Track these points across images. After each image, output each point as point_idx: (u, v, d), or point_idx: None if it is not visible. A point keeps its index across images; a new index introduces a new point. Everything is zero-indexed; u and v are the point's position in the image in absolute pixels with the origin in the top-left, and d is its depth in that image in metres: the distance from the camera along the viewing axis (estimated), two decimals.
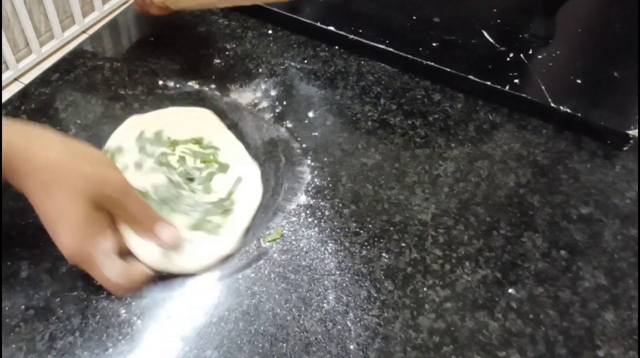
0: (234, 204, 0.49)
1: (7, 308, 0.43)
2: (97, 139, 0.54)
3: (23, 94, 0.59)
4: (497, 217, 0.50)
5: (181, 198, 0.48)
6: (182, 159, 0.52)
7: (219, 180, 0.51)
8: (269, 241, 0.47)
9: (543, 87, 0.59)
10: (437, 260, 0.47)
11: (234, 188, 0.50)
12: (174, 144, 0.53)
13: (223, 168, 0.52)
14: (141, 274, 0.43)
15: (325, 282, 0.45)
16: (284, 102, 0.59)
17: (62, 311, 0.43)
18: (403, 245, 0.48)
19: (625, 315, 0.44)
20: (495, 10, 0.70)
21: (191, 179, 0.51)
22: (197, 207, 0.48)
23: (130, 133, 0.54)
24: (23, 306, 0.43)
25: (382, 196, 0.51)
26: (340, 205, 0.50)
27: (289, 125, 0.57)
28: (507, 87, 0.59)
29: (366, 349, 0.42)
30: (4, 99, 0.58)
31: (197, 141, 0.54)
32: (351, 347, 0.42)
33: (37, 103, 0.58)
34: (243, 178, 0.51)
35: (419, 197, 0.51)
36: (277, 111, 0.58)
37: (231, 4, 0.64)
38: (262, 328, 0.42)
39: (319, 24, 0.65)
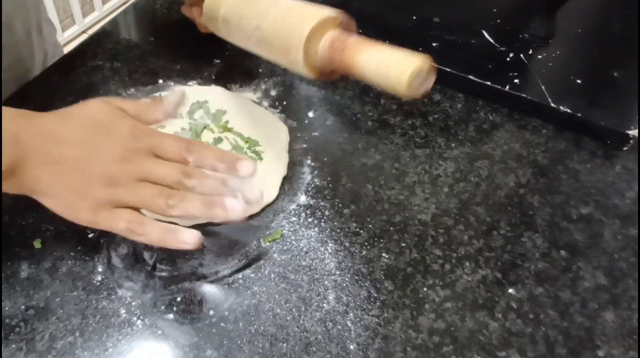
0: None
1: (7, 308, 0.43)
2: None
3: (23, 94, 0.59)
4: (497, 217, 0.50)
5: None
6: (218, 141, 0.52)
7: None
8: (269, 241, 0.47)
9: (543, 87, 0.59)
10: (437, 260, 0.47)
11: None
12: (225, 129, 0.52)
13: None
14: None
15: (325, 282, 0.45)
16: (284, 102, 0.59)
17: (62, 311, 0.43)
18: (403, 245, 0.48)
19: (625, 315, 0.44)
20: (495, 10, 0.70)
21: None
22: None
23: (201, 94, 0.55)
24: (23, 306, 0.43)
25: (382, 196, 0.51)
26: (340, 205, 0.50)
27: (289, 125, 0.57)
28: (507, 87, 0.59)
29: (366, 349, 0.42)
30: (3, 99, 0.58)
31: (249, 141, 0.53)
32: (351, 347, 0.42)
33: (37, 103, 0.57)
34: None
35: (419, 197, 0.51)
36: (277, 111, 0.58)
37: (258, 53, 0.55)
38: (262, 328, 0.42)
39: None
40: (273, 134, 0.54)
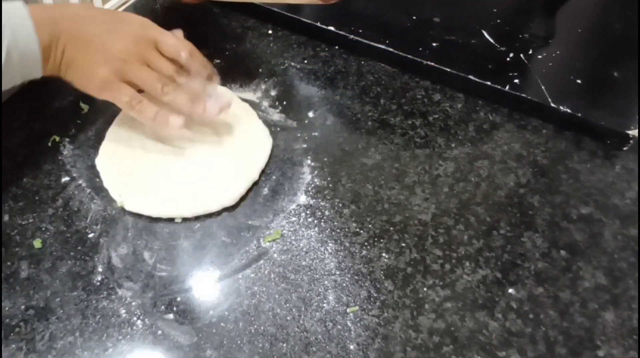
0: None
1: (7, 308, 0.43)
2: (98, 139, 0.54)
3: (23, 94, 0.58)
4: (497, 217, 0.50)
5: None
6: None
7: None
8: (269, 241, 0.47)
9: (543, 87, 0.59)
10: (437, 260, 0.47)
11: None
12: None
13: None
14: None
15: (325, 282, 0.45)
16: (284, 102, 0.59)
17: (62, 311, 0.43)
18: (403, 245, 0.48)
19: (625, 315, 0.44)
20: (495, 10, 0.70)
21: None
22: None
23: None
24: (23, 306, 0.43)
25: (382, 196, 0.51)
26: (340, 205, 0.50)
27: (289, 125, 0.57)
28: (507, 87, 0.59)
29: (366, 349, 0.42)
30: (4, 99, 0.58)
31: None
32: (351, 347, 0.42)
33: (37, 102, 0.58)
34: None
35: (419, 197, 0.51)
36: (277, 111, 0.58)
37: (257, 1, 0.65)
38: (262, 328, 0.42)
39: (319, 24, 0.65)
40: (252, 145, 0.55)
